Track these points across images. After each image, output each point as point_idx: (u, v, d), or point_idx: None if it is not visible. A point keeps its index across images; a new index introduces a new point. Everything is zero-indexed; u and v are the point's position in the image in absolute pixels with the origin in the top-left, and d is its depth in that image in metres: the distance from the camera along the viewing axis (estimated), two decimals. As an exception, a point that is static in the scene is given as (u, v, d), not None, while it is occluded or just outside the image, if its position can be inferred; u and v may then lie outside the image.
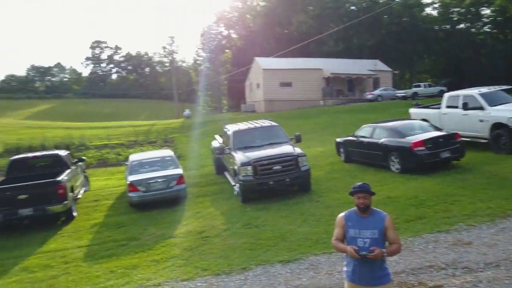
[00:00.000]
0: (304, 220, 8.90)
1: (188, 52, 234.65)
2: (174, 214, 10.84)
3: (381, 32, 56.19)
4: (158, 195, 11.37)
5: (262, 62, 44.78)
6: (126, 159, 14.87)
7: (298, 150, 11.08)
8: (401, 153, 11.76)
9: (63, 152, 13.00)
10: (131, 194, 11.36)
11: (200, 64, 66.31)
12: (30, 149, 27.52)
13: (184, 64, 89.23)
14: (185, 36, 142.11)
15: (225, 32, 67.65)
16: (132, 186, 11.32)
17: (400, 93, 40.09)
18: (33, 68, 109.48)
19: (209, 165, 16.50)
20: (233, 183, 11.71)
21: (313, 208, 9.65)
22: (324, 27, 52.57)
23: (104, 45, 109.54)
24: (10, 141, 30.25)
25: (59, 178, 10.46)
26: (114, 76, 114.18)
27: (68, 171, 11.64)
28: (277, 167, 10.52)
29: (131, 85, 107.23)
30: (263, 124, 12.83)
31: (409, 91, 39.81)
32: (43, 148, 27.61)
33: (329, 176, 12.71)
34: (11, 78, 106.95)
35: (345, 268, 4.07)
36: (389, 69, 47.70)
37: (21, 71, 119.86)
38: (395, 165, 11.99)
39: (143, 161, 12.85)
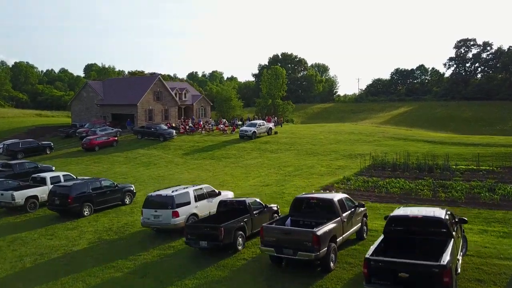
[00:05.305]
0: None
1: None
2: None
3: None
4: None
5: None
6: None
7: None
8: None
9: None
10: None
11: None
12: (394, 166, 28.01)
13: None
14: None
15: None
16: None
17: None
18: (397, 71, 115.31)
19: None
20: None
21: None
22: None
23: (471, 43, 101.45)
24: (376, 154, 31.90)
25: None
26: (478, 76, 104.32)
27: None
28: None
29: (499, 85, 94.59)
30: None
31: None
32: (406, 168, 27.42)
33: None
34: (377, 82, 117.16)
35: None
36: None
37: (386, 75, 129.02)
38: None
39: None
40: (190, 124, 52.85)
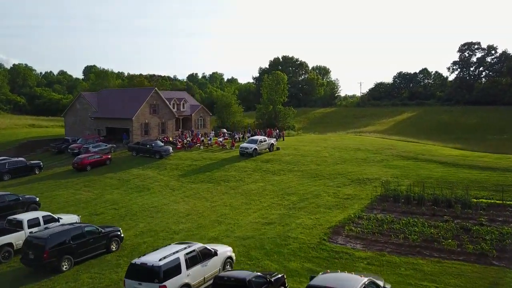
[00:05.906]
0: None
1: None
2: None
3: None
4: None
5: None
6: None
7: None
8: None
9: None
10: None
11: None
12: (408, 198, 25.49)
13: None
14: None
15: None
16: None
17: None
18: (400, 75, 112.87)
19: None
20: None
21: None
22: None
23: (475, 46, 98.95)
24: (387, 179, 29.51)
25: None
26: (483, 80, 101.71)
27: None
28: None
29: (503, 90, 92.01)
30: None
31: None
32: (421, 201, 24.96)
33: None
34: (380, 86, 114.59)
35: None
36: None
37: (389, 79, 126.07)
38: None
39: None
40: (188, 139, 50.34)
